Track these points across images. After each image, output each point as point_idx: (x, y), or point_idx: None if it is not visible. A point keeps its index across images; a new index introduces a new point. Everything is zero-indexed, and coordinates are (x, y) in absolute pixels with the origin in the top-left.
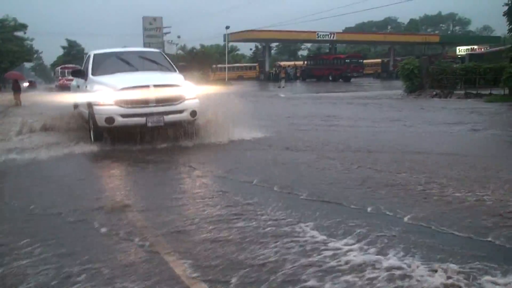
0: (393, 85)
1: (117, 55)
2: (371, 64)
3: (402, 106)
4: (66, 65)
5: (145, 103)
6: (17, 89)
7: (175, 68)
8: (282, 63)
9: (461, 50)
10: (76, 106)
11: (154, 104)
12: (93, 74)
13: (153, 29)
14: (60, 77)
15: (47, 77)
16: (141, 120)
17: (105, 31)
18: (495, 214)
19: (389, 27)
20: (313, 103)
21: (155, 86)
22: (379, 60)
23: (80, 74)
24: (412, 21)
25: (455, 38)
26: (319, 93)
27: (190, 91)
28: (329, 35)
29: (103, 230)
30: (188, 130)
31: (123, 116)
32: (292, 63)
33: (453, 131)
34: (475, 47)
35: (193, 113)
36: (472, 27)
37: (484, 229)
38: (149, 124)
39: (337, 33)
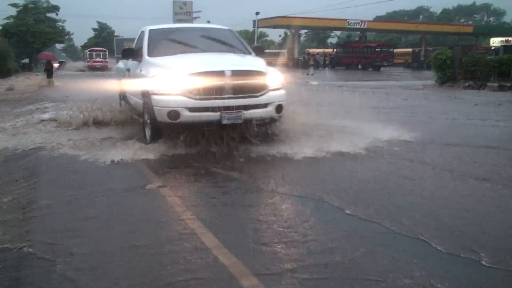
0: (423, 75)
1: (179, 32)
2: (401, 53)
3: (455, 98)
4: (94, 48)
5: (220, 93)
6: (50, 70)
7: (249, 50)
8: (311, 51)
9: (495, 41)
10: (123, 94)
11: (231, 95)
12: (149, 55)
13: (183, 13)
14: (88, 59)
15: (78, 59)
16: (214, 115)
17: (135, 14)
18: None
19: (421, 16)
20: (352, 92)
21: (233, 72)
22: (409, 50)
23: (132, 54)
24: (444, 10)
25: (489, 29)
26: (349, 81)
27: (275, 79)
28: (360, 23)
29: None
30: (266, 130)
31: (192, 109)
32: (321, 50)
33: None
34: (510, 38)
35: (279, 108)
36: (506, 18)
37: None
38: (225, 121)
39: (368, 21)
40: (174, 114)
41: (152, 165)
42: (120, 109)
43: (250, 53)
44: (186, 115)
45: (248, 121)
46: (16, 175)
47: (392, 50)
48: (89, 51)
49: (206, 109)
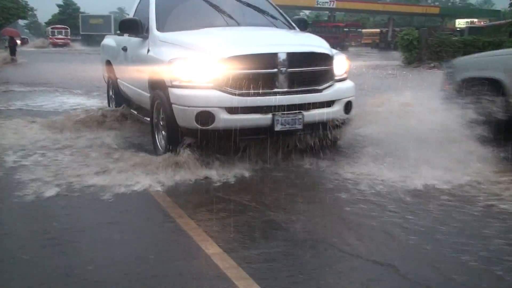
0: (391, 55)
1: None
2: (369, 34)
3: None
4: (56, 25)
5: (270, 86)
6: (13, 47)
7: (292, 23)
8: None
9: (461, 23)
10: (114, 82)
11: (286, 89)
12: (160, 29)
13: None
14: (50, 36)
15: (41, 35)
16: (264, 119)
17: None
18: None
19: None
20: None
21: (289, 55)
22: (377, 30)
23: (132, 28)
24: None
25: (455, 11)
26: None
27: (341, 65)
28: (329, 3)
29: None
30: (327, 139)
31: (231, 110)
32: None
33: None
34: (475, 20)
35: (348, 107)
36: (472, 0)
37: None
38: (278, 127)
39: (337, 1)
40: (206, 117)
41: (174, 196)
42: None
43: (294, 28)
44: (224, 119)
45: (308, 127)
46: None
47: (360, 30)
48: (51, 28)
49: (253, 109)
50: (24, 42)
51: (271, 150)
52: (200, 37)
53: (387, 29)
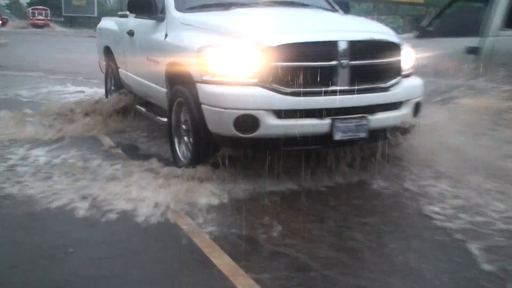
0: None
1: None
2: None
3: None
4: (36, 7)
5: (328, 83)
6: None
7: (335, 5)
8: None
9: None
10: (115, 73)
11: (347, 87)
12: (180, 8)
13: None
14: (31, 17)
15: (23, 17)
16: (321, 125)
17: None
18: None
19: None
20: None
21: (351, 44)
22: None
23: (143, 8)
24: None
25: (439, 0)
26: None
27: (409, 58)
28: None
29: None
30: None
31: (281, 114)
32: None
33: None
34: None
35: (417, 109)
36: None
37: None
38: (338, 136)
39: None
40: (249, 121)
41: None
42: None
43: (336, 10)
44: (271, 125)
45: (373, 135)
46: None
47: None
48: (31, 9)
49: (307, 113)
50: (4, 22)
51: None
52: (237, 19)
53: (372, 17)
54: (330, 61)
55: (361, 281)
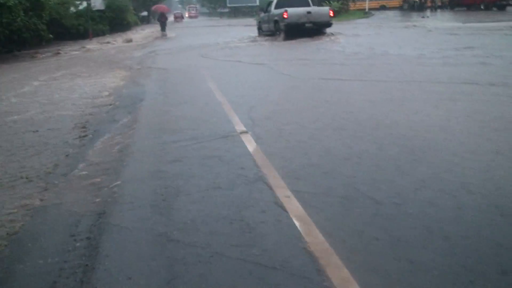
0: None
1: None
2: None
3: None
4: (190, 5)
5: None
6: (164, 22)
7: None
8: None
9: None
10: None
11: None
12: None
13: None
14: (187, 11)
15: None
16: None
17: None
18: None
19: None
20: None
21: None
22: None
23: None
24: None
25: None
26: (467, 23)
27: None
28: None
29: None
30: None
31: None
32: None
33: None
34: None
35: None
36: None
37: None
38: None
39: None
40: None
41: None
42: None
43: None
44: None
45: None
46: None
47: None
48: (188, 6)
49: None
50: (178, 18)
51: None
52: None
53: None
54: None
55: None
